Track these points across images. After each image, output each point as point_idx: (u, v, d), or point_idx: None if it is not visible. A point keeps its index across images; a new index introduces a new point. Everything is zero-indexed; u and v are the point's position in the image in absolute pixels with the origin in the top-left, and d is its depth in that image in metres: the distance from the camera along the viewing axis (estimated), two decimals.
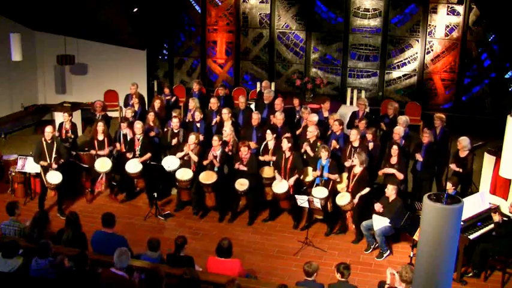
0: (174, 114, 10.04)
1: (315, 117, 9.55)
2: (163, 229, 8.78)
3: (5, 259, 5.88)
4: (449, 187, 7.78)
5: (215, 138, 8.95)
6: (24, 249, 6.27)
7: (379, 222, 7.87)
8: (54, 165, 8.91)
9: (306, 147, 9.05)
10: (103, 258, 6.17)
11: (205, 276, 5.91)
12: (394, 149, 8.53)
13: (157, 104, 10.73)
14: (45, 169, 8.95)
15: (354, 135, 8.81)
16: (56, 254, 5.96)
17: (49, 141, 8.92)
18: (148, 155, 9.42)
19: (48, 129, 8.95)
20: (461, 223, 5.18)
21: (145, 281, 5.59)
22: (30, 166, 9.32)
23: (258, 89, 13.05)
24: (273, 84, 13.18)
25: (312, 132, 9.06)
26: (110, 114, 11.44)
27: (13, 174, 9.66)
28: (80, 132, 12.16)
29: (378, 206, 7.95)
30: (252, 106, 11.41)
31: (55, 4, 11.74)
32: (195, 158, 9.05)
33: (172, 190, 9.79)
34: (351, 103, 12.64)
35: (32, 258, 5.90)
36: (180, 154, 9.20)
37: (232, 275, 5.89)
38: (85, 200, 9.66)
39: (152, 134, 9.97)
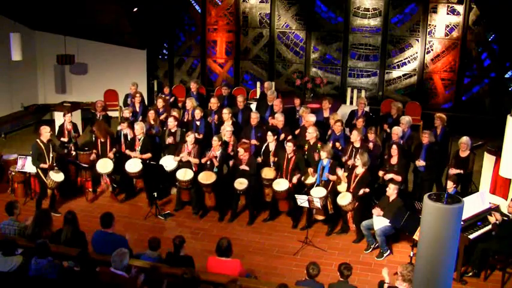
0: (173, 113, 10.07)
1: (312, 118, 9.55)
2: (163, 229, 8.77)
3: (5, 258, 5.88)
4: (450, 186, 7.76)
5: (215, 138, 8.99)
6: (24, 248, 6.26)
7: (379, 222, 7.86)
8: (54, 165, 8.90)
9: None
10: (103, 258, 6.17)
11: (205, 276, 5.90)
12: (394, 149, 8.54)
13: (160, 103, 10.74)
14: (44, 170, 8.91)
15: (354, 136, 8.81)
16: (56, 253, 5.96)
17: (46, 142, 8.90)
18: (149, 154, 9.42)
19: (47, 130, 8.91)
20: (461, 223, 5.18)
21: (146, 280, 5.59)
22: (30, 166, 9.28)
23: (258, 89, 13.06)
24: (273, 84, 13.18)
25: (312, 134, 9.05)
26: (110, 114, 11.43)
27: (13, 174, 9.66)
28: (80, 132, 12.16)
29: (376, 211, 7.90)
30: (252, 106, 11.41)
31: (55, 4, 11.74)
32: (195, 161, 9.06)
33: (172, 190, 9.79)
34: (351, 103, 12.64)
35: (31, 258, 5.89)
36: (177, 158, 9.18)
37: (232, 275, 5.89)
38: (85, 200, 9.67)
39: (152, 131, 9.98)
